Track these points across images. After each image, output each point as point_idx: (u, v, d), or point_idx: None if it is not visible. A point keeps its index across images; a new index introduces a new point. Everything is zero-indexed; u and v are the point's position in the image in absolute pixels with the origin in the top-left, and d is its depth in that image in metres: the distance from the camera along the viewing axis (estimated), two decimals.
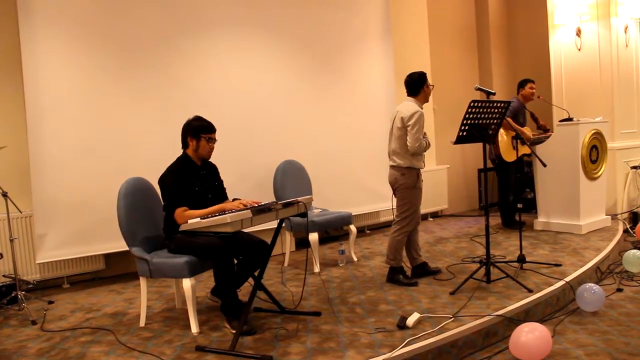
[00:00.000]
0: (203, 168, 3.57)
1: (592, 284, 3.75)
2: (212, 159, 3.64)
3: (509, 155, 5.74)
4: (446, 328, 3.11)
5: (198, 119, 3.50)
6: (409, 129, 3.95)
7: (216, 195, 3.59)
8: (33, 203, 4.33)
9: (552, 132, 6.05)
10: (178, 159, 3.51)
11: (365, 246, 5.68)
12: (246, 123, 5.27)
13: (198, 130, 3.44)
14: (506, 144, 5.74)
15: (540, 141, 5.75)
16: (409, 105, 4.04)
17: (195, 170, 3.49)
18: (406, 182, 4.06)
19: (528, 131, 5.93)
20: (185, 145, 3.51)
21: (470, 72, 8.00)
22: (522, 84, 6.00)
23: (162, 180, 3.40)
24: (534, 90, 5.97)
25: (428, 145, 4.06)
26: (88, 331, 3.46)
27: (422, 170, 4.15)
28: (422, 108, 4.06)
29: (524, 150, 5.67)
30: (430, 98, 4.30)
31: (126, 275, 4.87)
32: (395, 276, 4.12)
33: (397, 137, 4.06)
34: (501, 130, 5.65)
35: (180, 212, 3.28)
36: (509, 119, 5.47)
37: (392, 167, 4.15)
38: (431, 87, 4.14)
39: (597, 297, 3.63)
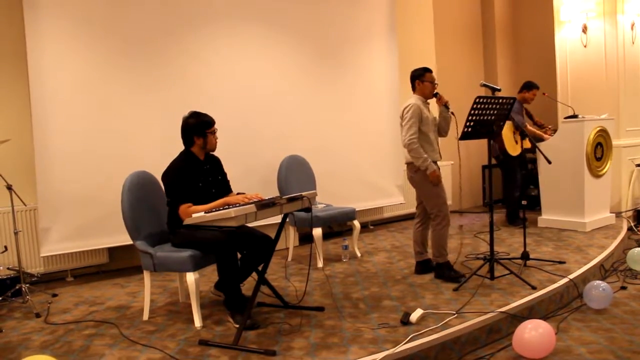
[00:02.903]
0: (206, 162, 3.57)
1: (601, 282, 3.74)
2: (216, 153, 3.64)
3: (513, 150, 5.75)
4: (449, 324, 3.11)
5: (196, 116, 3.48)
6: (402, 124, 4.02)
7: (220, 190, 3.59)
8: (37, 196, 4.34)
9: (549, 129, 6.07)
10: (181, 154, 3.51)
11: (369, 242, 5.68)
12: (250, 118, 5.27)
13: (202, 128, 3.45)
14: (509, 138, 5.74)
15: (541, 139, 5.76)
16: (407, 102, 4.11)
17: (198, 166, 3.49)
18: (421, 177, 4.06)
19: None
20: (190, 143, 3.50)
21: (475, 68, 7.98)
22: (528, 87, 6.01)
23: (165, 177, 3.40)
24: (534, 97, 6.04)
25: (446, 124, 4.07)
26: (92, 324, 3.47)
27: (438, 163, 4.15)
28: (425, 101, 4.11)
29: (525, 144, 5.70)
30: None
31: (130, 269, 4.88)
32: (444, 272, 4.05)
33: (402, 134, 4.11)
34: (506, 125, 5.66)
35: (184, 209, 3.28)
36: (528, 128, 5.52)
37: (406, 164, 4.18)
38: (428, 82, 4.08)
39: (605, 295, 3.62)
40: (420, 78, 4.10)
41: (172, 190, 3.36)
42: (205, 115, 3.50)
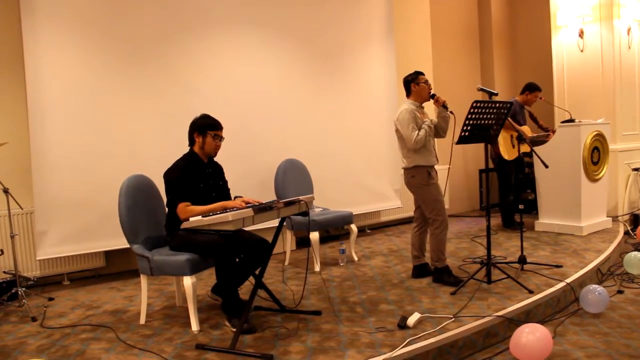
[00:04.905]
0: (209, 166, 3.58)
1: (597, 286, 3.74)
2: (216, 157, 3.64)
3: (508, 154, 5.76)
4: (447, 328, 3.11)
5: (205, 117, 3.53)
6: (401, 130, 4.03)
7: (220, 194, 3.59)
8: (34, 199, 4.33)
9: (553, 132, 6.05)
10: (185, 155, 3.53)
11: (366, 245, 5.68)
12: (248, 122, 5.27)
13: (205, 127, 3.47)
14: (506, 142, 5.75)
15: (541, 142, 5.75)
16: (400, 107, 4.14)
17: (201, 168, 3.50)
18: (418, 182, 4.08)
19: (527, 131, 5.95)
20: (191, 142, 3.52)
21: (472, 72, 8.00)
22: (531, 89, 5.99)
23: (167, 174, 3.41)
24: (536, 99, 6.02)
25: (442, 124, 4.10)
26: (88, 328, 3.46)
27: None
28: (420, 105, 4.14)
29: (524, 149, 5.69)
30: None
31: (126, 272, 4.87)
32: (442, 277, 4.05)
33: (398, 140, 4.16)
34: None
35: (182, 207, 3.29)
36: (509, 120, 5.49)
37: (403, 169, 4.20)
38: (423, 84, 4.10)
39: (602, 299, 3.63)
40: (415, 81, 4.12)
41: (173, 187, 3.37)
42: (214, 118, 3.53)
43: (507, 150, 5.76)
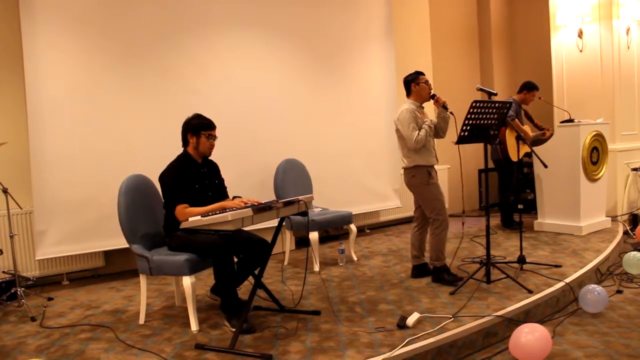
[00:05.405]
0: (204, 166, 3.57)
1: (596, 285, 3.75)
2: (213, 157, 3.64)
3: (514, 155, 5.76)
4: (446, 328, 3.11)
5: (198, 117, 3.51)
6: (402, 130, 4.03)
7: (216, 194, 3.59)
8: (33, 199, 4.33)
9: (548, 130, 6.07)
10: (179, 156, 3.52)
11: (365, 245, 5.68)
12: (247, 122, 5.27)
13: (198, 128, 3.46)
14: (513, 144, 5.75)
15: (540, 142, 5.76)
16: (400, 107, 4.14)
17: (195, 168, 3.50)
18: (418, 182, 4.09)
19: (529, 130, 5.96)
20: (185, 142, 3.52)
21: (471, 72, 8.01)
22: (529, 88, 5.98)
23: (162, 178, 3.41)
24: (534, 98, 6.03)
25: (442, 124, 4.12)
26: (87, 328, 3.46)
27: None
28: (420, 105, 4.14)
29: (525, 149, 5.70)
30: None
31: (126, 272, 4.87)
32: (441, 276, 4.05)
33: (398, 139, 4.16)
34: (507, 130, 5.66)
35: (181, 209, 3.29)
36: (517, 122, 5.53)
37: (403, 169, 4.20)
38: (423, 84, 4.10)
39: (601, 299, 3.63)
40: (416, 81, 4.12)
41: (169, 190, 3.37)
42: (207, 118, 3.52)
43: (513, 151, 5.77)
